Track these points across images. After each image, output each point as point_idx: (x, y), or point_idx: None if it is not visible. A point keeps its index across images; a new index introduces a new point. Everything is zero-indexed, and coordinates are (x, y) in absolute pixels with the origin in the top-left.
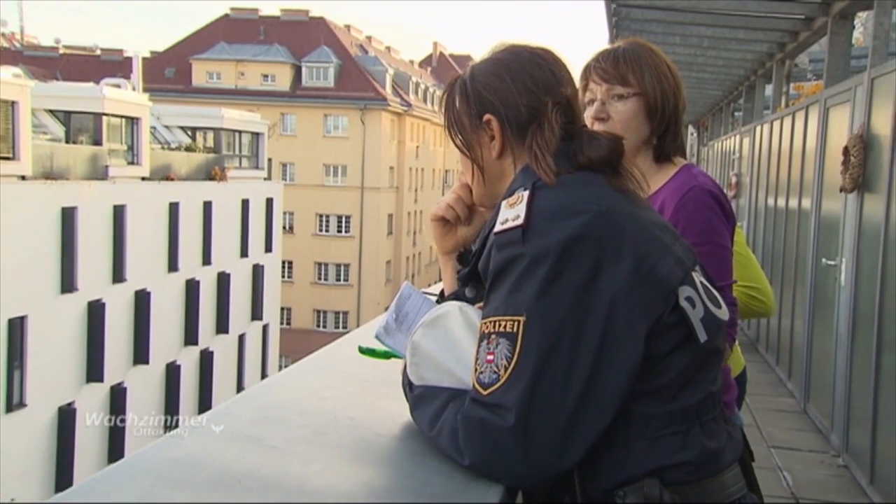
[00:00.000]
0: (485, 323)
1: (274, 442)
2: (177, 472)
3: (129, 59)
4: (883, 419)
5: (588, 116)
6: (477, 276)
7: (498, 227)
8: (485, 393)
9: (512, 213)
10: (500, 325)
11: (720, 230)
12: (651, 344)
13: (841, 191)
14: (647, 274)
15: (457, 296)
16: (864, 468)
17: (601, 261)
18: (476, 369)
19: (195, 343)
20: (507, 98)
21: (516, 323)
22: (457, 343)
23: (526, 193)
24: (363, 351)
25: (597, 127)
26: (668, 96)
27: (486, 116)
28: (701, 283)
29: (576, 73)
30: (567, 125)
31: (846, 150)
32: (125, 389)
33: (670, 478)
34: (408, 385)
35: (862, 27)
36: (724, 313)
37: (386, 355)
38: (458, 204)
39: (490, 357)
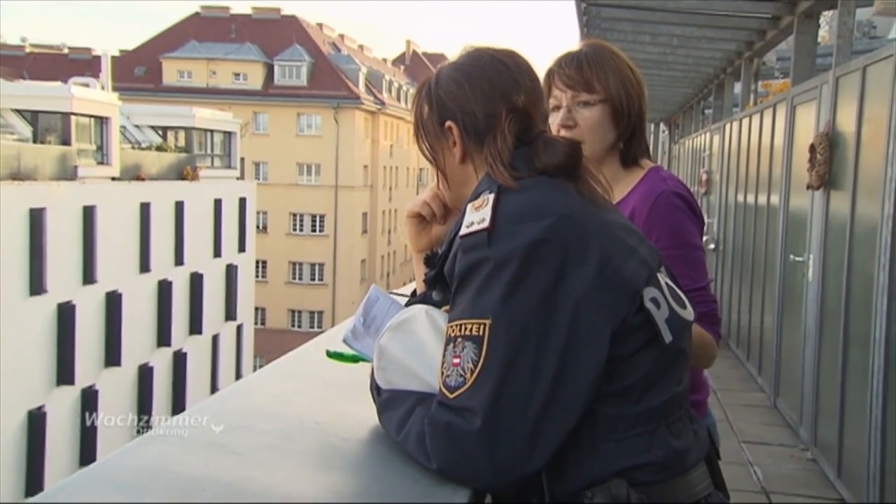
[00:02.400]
0: (451, 326)
1: (239, 448)
2: (138, 481)
3: (98, 58)
4: (850, 413)
5: (554, 123)
6: (444, 279)
7: (463, 231)
8: (451, 396)
9: (477, 216)
10: (465, 329)
11: (692, 231)
12: (616, 345)
13: (808, 188)
14: (612, 276)
15: (424, 298)
16: (832, 462)
17: (566, 263)
18: (442, 373)
19: (168, 344)
20: (465, 105)
21: (482, 326)
22: (423, 346)
23: (491, 196)
24: (331, 355)
25: (563, 134)
26: (633, 100)
27: (448, 123)
28: (666, 283)
29: (541, 74)
30: (523, 132)
31: (812, 148)
32: (97, 392)
33: (637, 478)
34: (375, 389)
35: (828, 26)
36: (689, 314)
37: (354, 359)
38: (434, 201)
39: (456, 360)
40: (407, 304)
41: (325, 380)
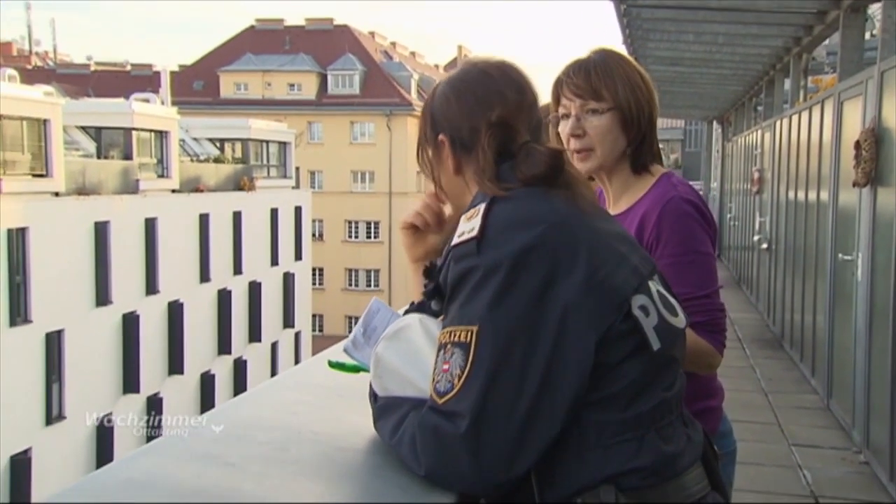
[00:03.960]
0: (442, 333)
1: (232, 459)
2: (129, 493)
3: (158, 74)
4: None
5: (563, 132)
6: (441, 290)
7: (455, 240)
8: (440, 401)
9: (468, 225)
10: (455, 336)
11: (702, 239)
12: (603, 352)
13: (854, 185)
14: (600, 284)
15: (422, 308)
16: (885, 464)
17: (555, 271)
18: (434, 378)
19: (228, 352)
20: (453, 119)
21: (470, 332)
22: (418, 354)
23: (482, 207)
24: (332, 365)
25: (573, 143)
26: (643, 106)
27: (440, 137)
28: (658, 291)
29: (538, 85)
30: (504, 145)
31: (858, 144)
32: (161, 400)
33: (627, 483)
34: (372, 397)
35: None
36: (680, 321)
37: (355, 369)
38: (427, 211)
39: (446, 366)
40: (405, 314)
41: (330, 389)
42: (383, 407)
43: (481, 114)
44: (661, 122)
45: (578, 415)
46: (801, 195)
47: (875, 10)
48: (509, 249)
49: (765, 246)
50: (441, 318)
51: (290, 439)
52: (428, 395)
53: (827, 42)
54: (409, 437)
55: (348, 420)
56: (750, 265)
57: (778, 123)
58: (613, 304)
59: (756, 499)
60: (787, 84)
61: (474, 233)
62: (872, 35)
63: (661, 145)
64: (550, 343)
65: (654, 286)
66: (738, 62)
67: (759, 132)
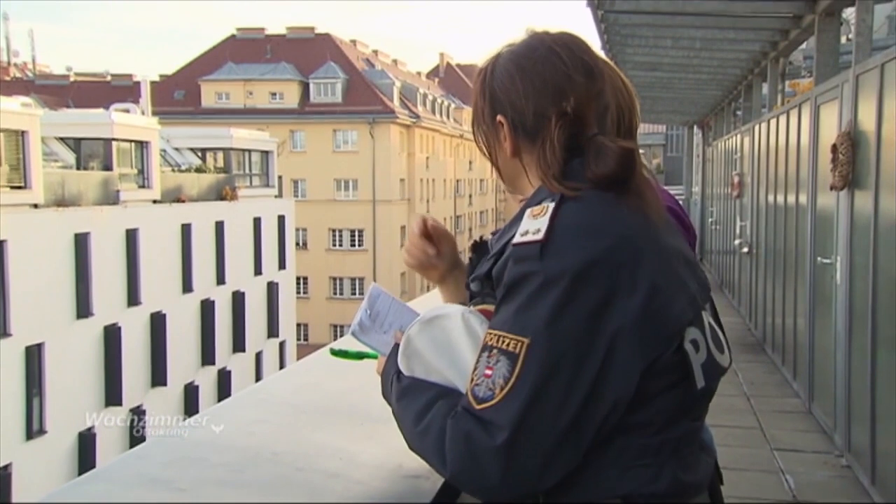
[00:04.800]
0: (490, 334)
1: (183, 484)
2: None
3: (139, 84)
4: (881, 417)
5: None
6: (490, 276)
7: (518, 238)
8: (477, 407)
9: (534, 224)
10: (503, 342)
11: None
12: (644, 381)
13: (831, 188)
14: (657, 312)
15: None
16: (866, 467)
17: (615, 290)
18: (472, 379)
19: (212, 363)
20: (516, 101)
21: (520, 344)
22: (451, 346)
23: (551, 206)
24: (335, 353)
25: None
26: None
27: (499, 117)
28: (709, 324)
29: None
30: (573, 137)
31: (835, 148)
32: (144, 412)
33: (636, 502)
34: (395, 374)
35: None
36: (725, 359)
37: (359, 356)
38: (414, 249)
39: (488, 372)
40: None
41: (296, 407)
42: (407, 388)
43: (550, 100)
44: (643, 128)
45: (606, 436)
46: (780, 199)
47: (850, 14)
48: (573, 260)
49: (745, 250)
50: (475, 305)
51: (246, 461)
52: (453, 385)
53: (804, 46)
54: (436, 431)
55: (310, 439)
56: (731, 269)
57: (757, 128)
58: (666, 335)
59: None
60: (766, 88)
61: (540, 235)
62: (848, 39)
63: (642, 150)
64: (597, 367)
65: (707, 318)
66: (716, 67)
67: (739, 136)
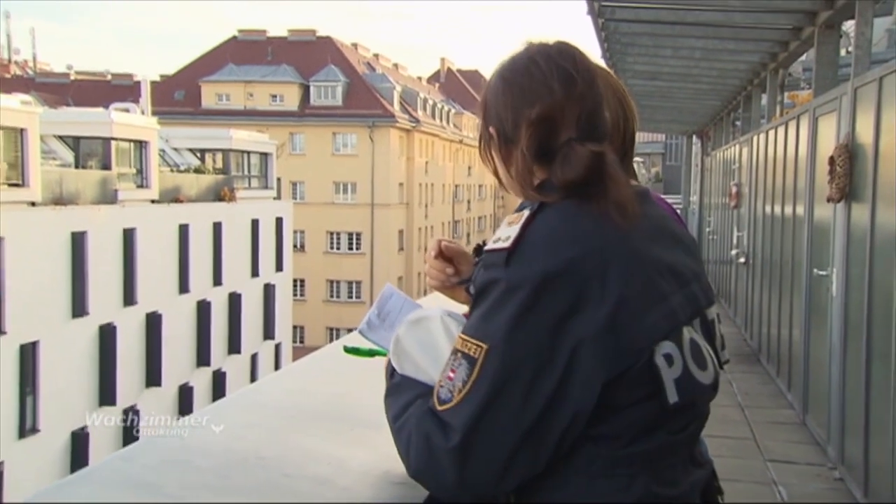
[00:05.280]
0: (459, 337)
1: (168, 489)
2: None
3: (139, 84)
4: (875, 430)
5: None
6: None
7: (489, 245)
8: (439, 408)
9: (506, 232)
10: (467, 346)
11: None
12: (611, 394)
13: (828, 200)
14: (624, 324)
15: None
16: (859, 480)
17: (579, 301)
18: (439, 381)
19: (207, 364)
20: (501, 112)
21: (480, 349)
22: (435, 345)
23: (526, 215)
24: (348, 350)
25: None
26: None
27: (490, 129)
28: (691, 339)
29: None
30: (544, 143)
31: (832, 160)
32: (138, 412)
33: None
34: (389, 371)
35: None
36: (707, 376)
37: (370, 353)
38: (433, 271)
39: (451, 374)
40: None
41: (286, 411)
42: (396, 385)
43: (523, 109)
44: (643, 136)
45: (572, 445)
46: (777, 210)
47: (849, 26)
48: (536, 269)
49: (742, 260)
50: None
51: (232, 465)
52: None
53: (803, 58)
54: (408, 429)
55: (299, 444)
56: (728, 279)
57: (755, 138)
58: (633, 349)
59: None
60: (765, 99)
61: (508, 243)
62: (848, 52)
63: (641, 159)
64: (557, 377)
65: (690, 333)
66: (715, 77)
67: (737, 147)
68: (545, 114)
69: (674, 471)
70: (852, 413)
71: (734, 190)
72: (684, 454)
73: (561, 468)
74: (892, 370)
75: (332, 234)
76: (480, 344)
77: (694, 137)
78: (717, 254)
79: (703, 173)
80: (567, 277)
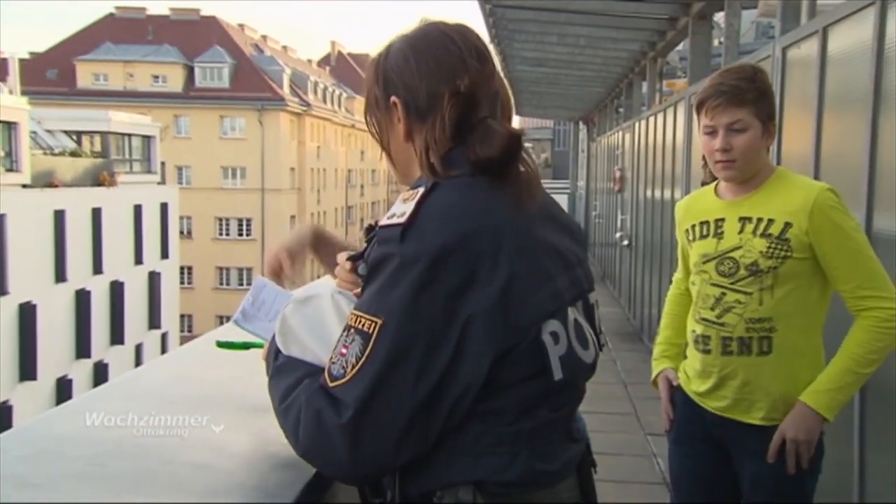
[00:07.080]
0: (351, 314)
1: (38, 479)
2: None
3: (6, 61)
4: None
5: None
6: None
7: (384, 221)
8: (330, 384)
9: (401, 208)
10: (359, 322)
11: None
12: (499, 370)
13: (703, 185)
14: (513, 302)
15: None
16: None
17: (471, 277)
18: (331, 357)
19: (88, 356)
20: (409, 82)
21: (374, 324)
22: (322, 324)
23: (421, 191)
24: (221, 344)
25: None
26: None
27: (392, 98)
28: (575, 320)
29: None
30: (464, 117)
31: None
32: (10, 408)
33: (491, 490)
34: (273, 354)
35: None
36: (589, 355)
37: (245, 346)
38: (270, 269)
39: (344, 350)
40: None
41: (166, 398)
42: (280, 367)
43: (444, 80)
44: (532, 122)
45: (460, 422)
46: (657, 194)
47: (721, 17)
48: (430, 244)
49: (626, 243)
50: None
51: (108, 454)
52: (323, 365)
53: (680, 47)
54: (296, 409)
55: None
56: (613, 261)
57: (636, 125)
58: (521, 325)
59: (613, 488)
60: (645, 87)
61: (403, 219)
62: (720, 42)
63: (530, 144)
64: (450, 352)
65: (574, 314)
66: (599, 65)
67: (620, 133)
68: (472, 88)
69: (553, 447)
70: None
71: (618, 175)
72: (562, 431)
73: (447, 447)
74: None
75: (220, 219)
76: (375, 319)
77: (580, 123)
78: (603, 237)
79: (589, 159)
80: (461, 252)
